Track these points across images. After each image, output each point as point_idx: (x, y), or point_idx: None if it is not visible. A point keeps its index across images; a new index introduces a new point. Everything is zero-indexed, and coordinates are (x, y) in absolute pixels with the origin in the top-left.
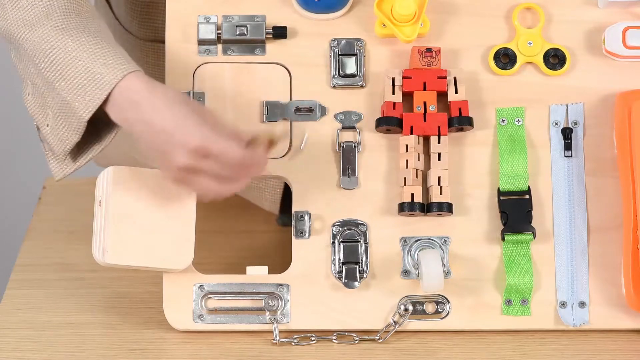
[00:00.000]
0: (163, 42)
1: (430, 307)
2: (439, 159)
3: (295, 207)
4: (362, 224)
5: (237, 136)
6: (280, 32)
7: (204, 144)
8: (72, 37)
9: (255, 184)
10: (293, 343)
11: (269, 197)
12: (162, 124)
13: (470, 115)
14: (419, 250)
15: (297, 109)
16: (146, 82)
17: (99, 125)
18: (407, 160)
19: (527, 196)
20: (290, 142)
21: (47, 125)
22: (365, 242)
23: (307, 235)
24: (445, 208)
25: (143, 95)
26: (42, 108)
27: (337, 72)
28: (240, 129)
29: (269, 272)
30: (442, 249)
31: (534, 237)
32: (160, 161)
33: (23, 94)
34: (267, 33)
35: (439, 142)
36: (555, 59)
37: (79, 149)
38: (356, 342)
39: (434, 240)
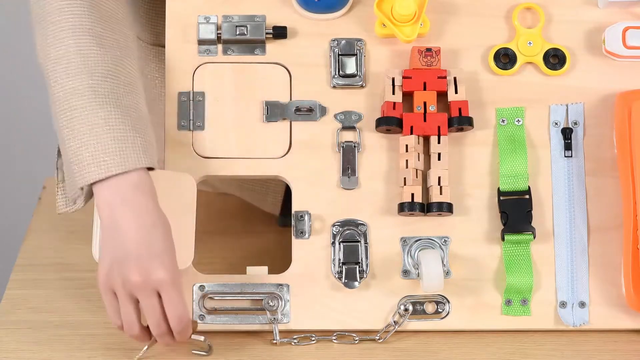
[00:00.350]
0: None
1: (430, 307)
2: (439, 159)
3: (295, 207)
4: (362, 224)
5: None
6: (280, 32)
7: (168, 283)
8: (100, 106)
9: (257, 187)
10: (293, 343)
11: (270, 199)
12: (144, 242)
13: (470, 115)
14: (419, 250)
15: (297, 109)
16: (143, 186)
17: None
18: (407, 160)
19: (527, 196)
20: (290, 142)
21: (63, 164)
22: (365, 242)
23: (307, 235)
24: (445, 208)
25: (130, 201)
26: (60, 150)
27: (337, 72)
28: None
29: (269, 272)
30: (442, 249)
31: (534, 237)
32: (113, 267)
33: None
34: (267, 33)
35: (439, 142)
36: (555, 59)
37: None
38: (356, 342)
39: (434, 240)
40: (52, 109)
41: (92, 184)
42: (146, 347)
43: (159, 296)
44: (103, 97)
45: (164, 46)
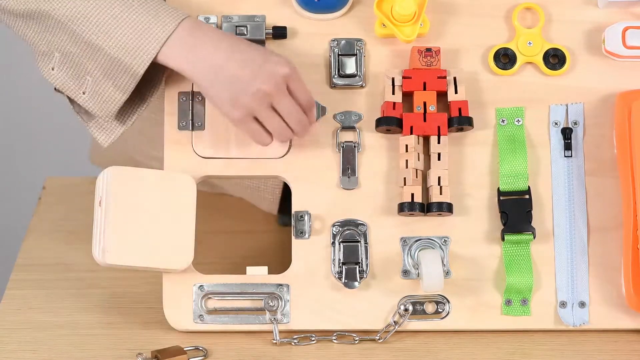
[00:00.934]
0: None
1: (430, 307)
2: (439, 159)
3: (295, 207)
4: (362, 224)
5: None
6: (280, 32)
7: (294, 72)
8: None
9: (254, 184)
10: (293, 343)
11: (268, 197)
12: (246, 58)
13: (470, 115)
14: (419, 250)
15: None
16: (198, 26)
17: (140, 84)
18: (407, 160)
19: (527, 196)
20: (290, 142)
21: (84, 93)
22: (365, 242)
23: (307, 235)
24: (445, 208)
25: (200, 42)
26: (76, 76)
27: (337, 72)
28: None
29: (269, 272)
30: (442, 249)
31: (534, 237)
32: (236, 96)
33: (43, 70)
34: (266, 33)
35: (438, 142)
36: (555, 59)
37: (121, 114)
38: (356, 342)
39: (434, 240)
40: (54, 41)
41: (155, 59)
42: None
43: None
44: None
45: None
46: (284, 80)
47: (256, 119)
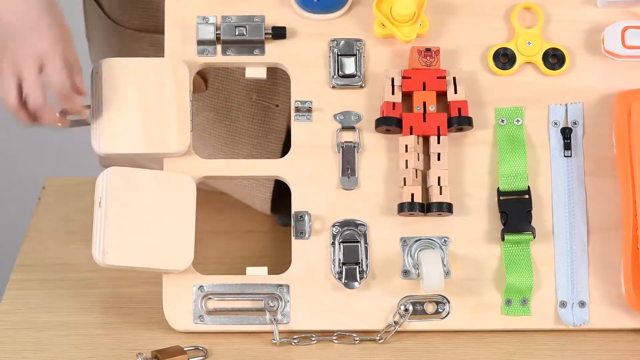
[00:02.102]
0: (158, 32)
1: (430, 307)
2: (439, 159)
3: (295, 208)
4: (362, 224)
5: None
6: (279, 33)
7: (49, 52)
8: None
9: (246, 182)
10: (293, 343)
11: (260, 195)
12: (19, 18)
13: (469, 115)
14: (419, 251)
15: (297, 109)
16: None
17: None
18: (406, 161)
19: (527, 196)
20: (290, 143)
21: None
22: (365, 243)
23: (307, 235)
24: (445, 208)
25: None
26: None
27: (336, 73)
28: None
29: (269, 273)
30: (442, 249)
31: (534, 237)
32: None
33: None
34: (266, 33)
35: (438, 142)
36: (554, 58)
37: None
38: (356, 342)
39: (434, 241)
40: None
41: None
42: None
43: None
44: None
45: (156, 32)
46: (34, 54)
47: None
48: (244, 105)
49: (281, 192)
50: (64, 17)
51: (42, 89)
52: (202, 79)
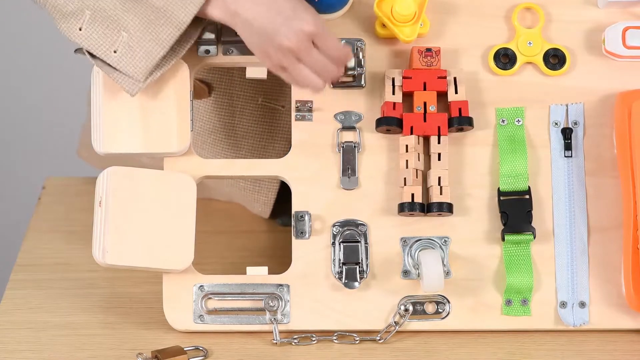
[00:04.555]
0: None
1: (430, 307)
2: (439, 159)
3: (295, 208)
4: (362, 224)
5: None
6: None
7: (321, 31)
8: None
9: (249, 185)
10: (293, 343)
11: (262, 199)
12: (278, 9)
13: (470, 116)
14: (419, 251)
15: (297, 109)
16: None
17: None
18: (407, 161)
19: (527, 196)
20: (290, 143)
21: (115, 52)
22: (366, 243)
23: (307, 235)
24: (445, 208)
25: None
26: (108, 34)
27: None
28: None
29: (269, 273)
30: (442, 249)
31: (534, 237)
32: (267, 49)
33: (69, 32)
34: None
35: (439, 142)
36: (555, 59)
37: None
38: (357, 342)
39: (434, 241)
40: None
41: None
42: None
43: (315, 46)
44: None
45: None
46: (308, 37)
47: None
48: (248, 109)
49: (279, 198)
50: None
51: (328, 62)
52: (206, 86)
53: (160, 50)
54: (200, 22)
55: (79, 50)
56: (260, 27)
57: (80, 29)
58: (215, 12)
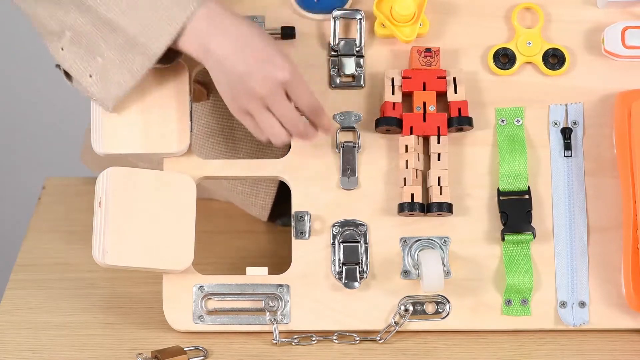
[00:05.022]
0: None
1: (430, 307)
2: (439, 159)
3: (295, 208)
4: (362, 225)
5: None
6: (288, 33)
7: (293, 77)
8: None
9: (246, 189)
10: (293, 343)
11: (260, 202)
12: (251, 53)
13: (469, 116)
14: (419, 251)
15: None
16: (217, 14)
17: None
18: (406, 161)
19: (527, 196)
20: (288, 146)
21: (91, 76)
22: (365, 243)
23: (307, 235)
24: (445, 208)
25: (214, 31)
26: (85, 57)
27: (336, 72)
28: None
29: (269, 273)
30: (442, 249)
31: (534, 237)
32: (235, 91)
33: (52, 50)
34: (271, 33)
35: (438, 142)
36: (554, 58)
37: None
38: (357, 342)
39: (434, 241)
40: (65, 19)
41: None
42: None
43: (287, 95)
44: None
45: None
46: (280, 85)
47: None
48: None
49: (279, 198)
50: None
51: (299, 115)
52: (205, 88)
53: (131, 80)
54: (175, 53)
55: (58, 66)
56: (232, 68)
57: (62, 49)
58: (187, 46)
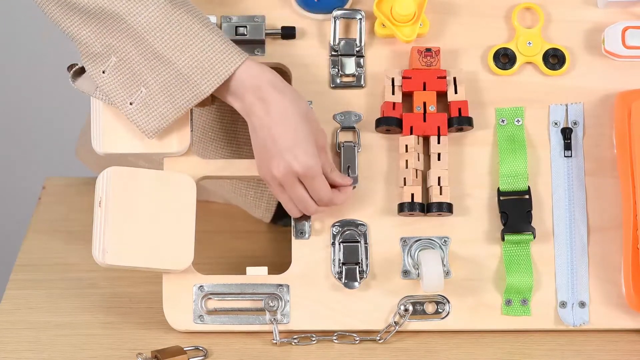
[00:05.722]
0: None
1: (430, 307)
2: (439, 159)
3: None
4: (362, 224)
5: (334, 170)
6: (288, 33)
7: (307, 173)
8: (189, 14)
9: (250, 192)
10: (293, 343)
11: (264, 205)
12: (280, 135)
13: (469, 116)
14: (419, 251)
15: None
16: (271, 73)
17: None
18: (406, 161)
19: (527, 196)
20: None
21: (131, 104)
22: (365, 243)
23: (307, 235)
24: (445, 208)
25: (270, 91)
26: (129, 85)
27: (337, 72)
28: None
29: (269, 273)
30: (442, 249)
31: (534, 237)
32: (258, 158)
33: (92, 71)
34: (272, 33)
35: (438, 142)
36: (554, 58)
37: None
38: (357, 342)
39: (434, 241)
40: (116, 45)
41: (224, 84)
42: None
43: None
44: (183, 7)
45: None
46: (294, 175)
47: None
48: None
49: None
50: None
51: (309, 200)
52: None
53: (175, 114)
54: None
55: (70, 67)
56: (261, 143)
57: (103, 72)
58: (234, 92)
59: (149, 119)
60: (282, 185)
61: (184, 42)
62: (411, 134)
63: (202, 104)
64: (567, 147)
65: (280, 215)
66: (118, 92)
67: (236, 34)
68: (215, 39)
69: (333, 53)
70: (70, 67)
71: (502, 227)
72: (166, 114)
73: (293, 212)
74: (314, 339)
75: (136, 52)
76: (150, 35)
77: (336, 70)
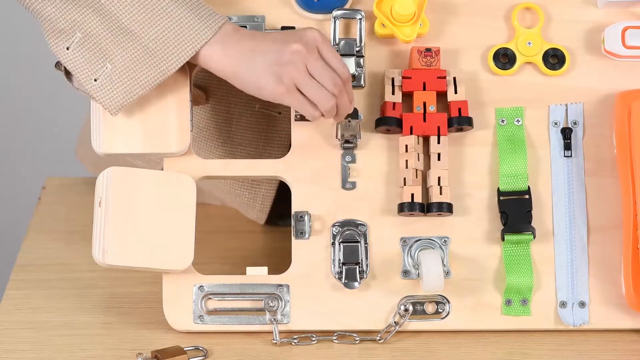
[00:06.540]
0: None
1: (430, 307)
2: (439, 159)
3: (295, 208)
4: (362, 224)
5: None
6: None
7: (322, 38)
8: None
9: (245, 192)
10: (293, 343)
11: (258, 206)
12: (270, 42)
13: (469, 116)
14: (419, 251)
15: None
16: (237, 30)
17: None
18: (406, 161)
19: (527, 196)
20: (287, 149)
21: (96, 80)
22: (365, 243)
23: (307, 235)
24: (445, 208)
25: (235, 39)
26: (94, 61)
27: None
28: None
29: (269, 273)
30: (442, 249)
31: (534, 237)
32: (276, 68)
33: (55, 47)
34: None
35: (438, 142)
36: (554, 58)
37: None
38: (357, 342)
39: (434, 241)
40: (81, 19)
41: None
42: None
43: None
44: None
45: None
46: (314, 41)
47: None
48: (245, 116)
49: (281, 199)
50: None
51: (333, 72)
52: (204, 92)
53: (140, 90)
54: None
55: (58, 65)
56: (264, 50)
57: (67, 48)
58: (210, 63)
59: (113, 94)
60: (308, 65)
61: (153, 16)
62: (411, 134)
63: (196, 102)
64: (567, 147)
65: (275, 216)
66: (82, 69)
67: None
68: (184, 13)
69: None
70: (57, 64)
71: (502, 227)
72: (131, 89)
73: (308, 110)
74: (314, 339)
75: (102, 27)
76: (118, 9)
77: None
